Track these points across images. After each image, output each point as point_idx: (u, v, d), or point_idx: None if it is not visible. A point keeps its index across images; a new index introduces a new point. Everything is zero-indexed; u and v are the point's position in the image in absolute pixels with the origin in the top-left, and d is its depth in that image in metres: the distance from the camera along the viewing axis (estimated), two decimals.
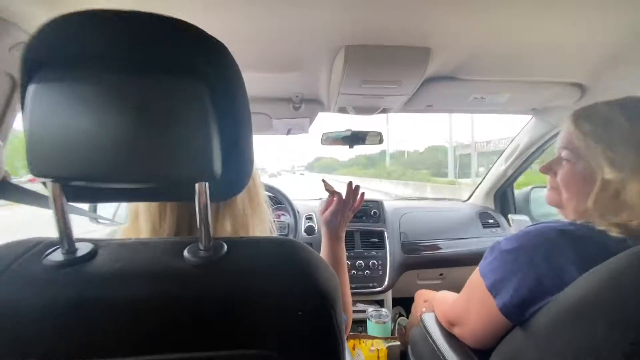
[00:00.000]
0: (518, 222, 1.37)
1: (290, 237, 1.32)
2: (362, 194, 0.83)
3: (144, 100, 0.29)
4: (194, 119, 0.30)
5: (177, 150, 0.30)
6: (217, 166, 0.32)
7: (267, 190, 1.34)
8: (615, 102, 0.59)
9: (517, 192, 1.68)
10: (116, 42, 0.29)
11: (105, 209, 1.26)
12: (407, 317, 1.53)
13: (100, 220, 1.19)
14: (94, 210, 1.26)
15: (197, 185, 0.32)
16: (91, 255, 0.33)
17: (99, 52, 0.29)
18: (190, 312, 0.30)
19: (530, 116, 1.29)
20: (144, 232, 0.44)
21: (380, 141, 1.30)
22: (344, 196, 0.80)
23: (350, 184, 0.82)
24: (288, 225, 1.39)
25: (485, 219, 1.60)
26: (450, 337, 0.78)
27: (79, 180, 0.30)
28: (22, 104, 0.29)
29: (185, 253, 0.33)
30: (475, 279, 0.62)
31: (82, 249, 0.33)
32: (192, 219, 0.43)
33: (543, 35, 0.75)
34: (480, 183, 1.73)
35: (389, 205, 1.60)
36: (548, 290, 0.50)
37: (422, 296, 1.21)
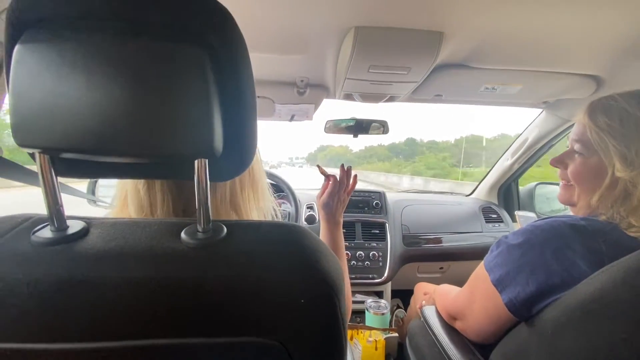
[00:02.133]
0: (525, 219, 1.35)
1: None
2: (355, 175, 0.85)
3: (139, 66, 0.26)
4: (194, 89, 0.27)
5: (176, 123, 0.28)
6: (218, 143, 0.30)
7: (268, 178, 1.32)
8: (635, 93, 0.56)
9: (521, 188, 1.66)
10: (109, 1, 0.26)
11: (103, 190, 1.24)
12: (405, 310, 1.53)
13: (99, 203, 1.17)
14: (93, 191, 1.24)
15: (196, 162, 0.30)
16: (83, 233, 0.31)
17: (90, 11, 0.26)
18: (188, 295, 0.28)
19: (540, 110, 1.25)
20: (133, 213, 0.42)
21: (385, 131, 1.27)
22: (338, 178, 0.82)
23: (342, 166, 0.84)
24: (289, 213, 1.38)
25: (488, 214, 1.58)
26: (450, 330, 0.77)
27: (67, 151, 0.28)
28: (7, 69, 0.27)
29: (183, 234, 0.31)
30: (480, 273, 0.61)
31: (73, 226, 0.31)
32: (187, 205, 0.42)
33: (561, 24, 0.72)
34: (485, 177, 1.70)
35: (391, 197, 1.59)
36: (557, 287, 0.49)
37: (422, 289, 1.21)
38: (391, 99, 1.08)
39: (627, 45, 0.77)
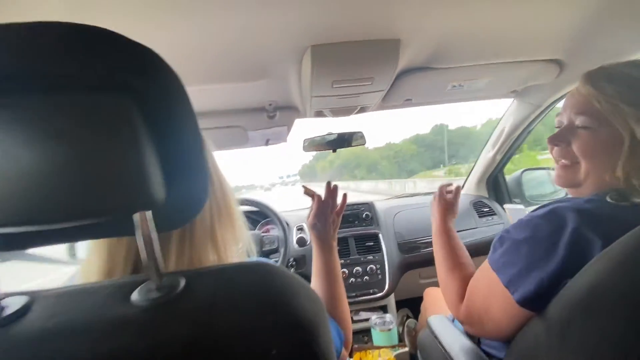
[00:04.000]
0: (515, 212, 1.33)
1: (281, 250, 1.27)
2: (345, 194, 0.81)
3: (61, 123, 0.24)
4: (123, 139, 0.25)
5: (107, 178, 0.25)
6: (159, 192, 0.27)
7: (250, 205, 1.28)
8: (628, 62, 0.54)
9: (508, 177, 1.65)
10: (20, 58, 0.24)
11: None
12: (415, 318, 1.48)
13: (78, 258, 1.12)
14: (72, 248, 1.19)
15: (135, 216, 0.27)
16: (22, 311, 0.27)
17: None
18: None
19: (512, 99, 1.26)
20: (95, 273, 0.38)
21: (363, 141, 1.25)
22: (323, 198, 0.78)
23: (328, 184, 0.79)
24: (277, 238, 1.33)
25: (480, 208, 1.57)
26: (459, 339, 0.74)
27: None
28: None
29: (134, 295, 0.28)
30: (488, 275, 0.56)
31: (12, 305, 0.28)
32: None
33: (514, 15, 0.72)
34: (471, 172, 1.69)
35: (380, 205, 1.56)
36: (571, 272, 0.45)
37: (432, 294, 1.16)
38: (362, 110, 1.07)
39: (583, 26, 0.78)
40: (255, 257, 0.56)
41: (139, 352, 0.25)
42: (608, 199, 0.49)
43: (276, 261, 1.25)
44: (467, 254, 0.75)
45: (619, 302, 0.39)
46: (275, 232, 1.37)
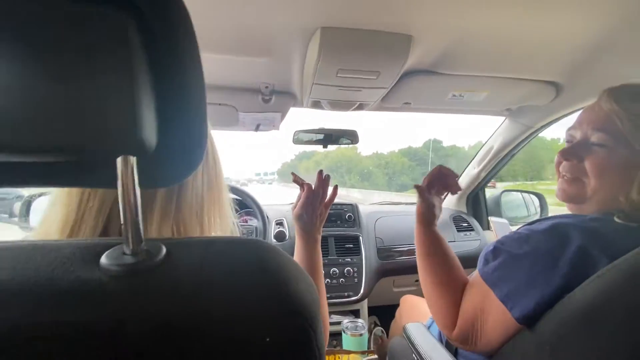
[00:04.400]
0: (500, 225, 1.35)
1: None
2: (336, 186, 0.76)
3: (46, 35, 0.19)
4: (116, 63, 0.20)
5: (91, 108, 0.20)
6: (149, 136, 0.22)
7: (233, 193, 1.22)
8: None
9: (487, 196, 1.69)
10: None
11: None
12: (383, 326, 1.47)
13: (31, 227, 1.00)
14: (26, 212, 1.06)
15: (118, 160, 0.22)
16: None
17: None
18: (105, 345, 0.20)
19: (504, 118, 1.29)
20: (55, 230, 0.32)
21: (355, 141, 1.23)
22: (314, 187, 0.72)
23: (320, 172, 0.74)
24: (256, 229, 1.27)
25: (459, 223, 1.59)
26: (436, 347, 0.72)
27: None
28: None
29: (103, 259, 0.23)
30: (482, 290, 0.53)
31: None
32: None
33: (523, 31, 0.73)
34: None
35: (364, 209, 1.54)
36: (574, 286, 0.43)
37: (409, 301, 1.15)
38: (360, 106, 1.05)
39: (584, 52, 0.80)
40: None
41: (98, 326, 0.20)
42: (616, 219, 0.48)
43: None
44: (457, 262, 0.67)
45: (622, 321, 0.38)
46: (253, 223, 1.31)
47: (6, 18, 0.19)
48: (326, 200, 0.74)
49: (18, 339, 0.19)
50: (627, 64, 0.79)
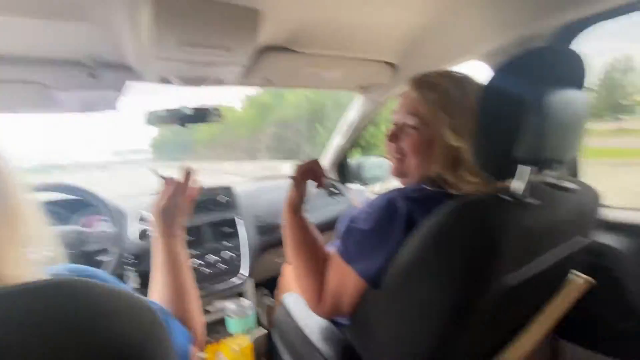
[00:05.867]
0: (356, 192, 1.53)
1: (116, 250, 1.01)
2: (199, 181, 0.72)
3: None
4: None
5: None
6: None
7: (62, 192, 0.96)
8: (444, 73, 0.64)
9: (350, 161, 1.90)
10: None
11: None
12: (273, 297, 1.53)
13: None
14: None
15: None
16: None
17: None
18: None
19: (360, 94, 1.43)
20: None
21: (219, 118, 1.14)
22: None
23: (184, 167, 0.70)
24: (107, 234, 1.05)
25: (330, 189, 1.74)
26: (312, 315, 0.79)
27: None
28: None
29: None
30: (341, 268, 0.60)
31: None
32: None
33: (359, 14, 0.79)
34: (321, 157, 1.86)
35: (242, 189, 1.49)
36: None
37: (288, 271, 1.20)
38: (218, 82, 0.96)
39: (414, 35, 0.92)
40: (62, 265, 0.40)
41: None
42: (424, 186, 0.60)
43: (107, 262, 0.99)
44: (321, 243, 0.73)
45: (429, 269, 0.49)
46: (103, 226, 1.08)
47: None
48: (191, 194, 0.69)
49: None
50: (451, 42, 0.92)
